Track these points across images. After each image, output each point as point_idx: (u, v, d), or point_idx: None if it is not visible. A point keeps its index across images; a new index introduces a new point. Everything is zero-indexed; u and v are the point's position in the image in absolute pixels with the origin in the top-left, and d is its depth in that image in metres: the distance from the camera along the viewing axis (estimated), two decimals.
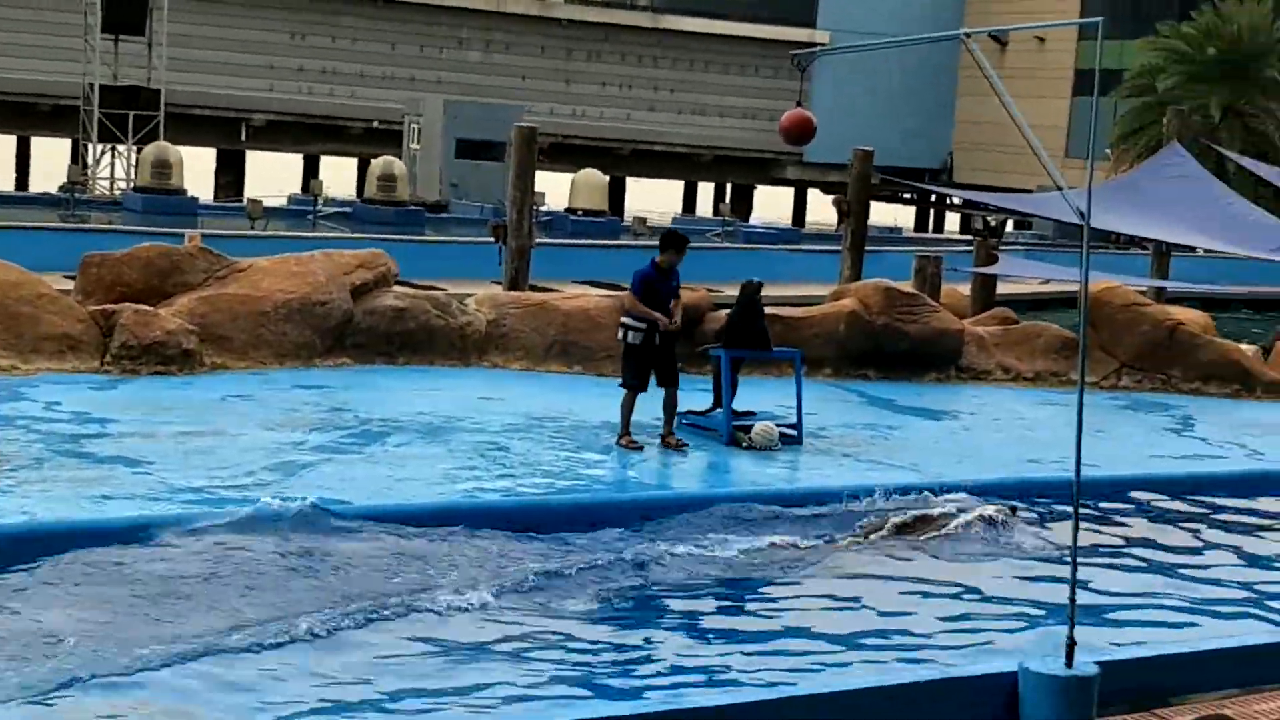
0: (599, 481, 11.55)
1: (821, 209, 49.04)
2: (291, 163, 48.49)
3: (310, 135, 44.55)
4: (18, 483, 10.12)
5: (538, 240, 21.54)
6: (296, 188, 42.34)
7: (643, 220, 35.70)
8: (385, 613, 8.45)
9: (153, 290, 15.29)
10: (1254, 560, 10.94)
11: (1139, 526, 11.55)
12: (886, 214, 53.05)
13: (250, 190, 41.06)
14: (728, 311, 14.31)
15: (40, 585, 8.46)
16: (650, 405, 12.78)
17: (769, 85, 49.76)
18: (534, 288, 20.56)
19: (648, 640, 8.44)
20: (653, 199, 54.27)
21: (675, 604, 9.12)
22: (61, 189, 32.89)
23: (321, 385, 14.35)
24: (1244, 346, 19.24)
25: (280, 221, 31.80)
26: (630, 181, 52.47)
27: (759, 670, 7.88)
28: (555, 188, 35.99)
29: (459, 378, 15.33)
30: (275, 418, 12.73)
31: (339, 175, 47.96)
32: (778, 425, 13.21)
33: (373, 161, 34.50)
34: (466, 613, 8.58)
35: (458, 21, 46.30)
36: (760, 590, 9.52)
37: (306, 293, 15.39)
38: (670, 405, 12.81)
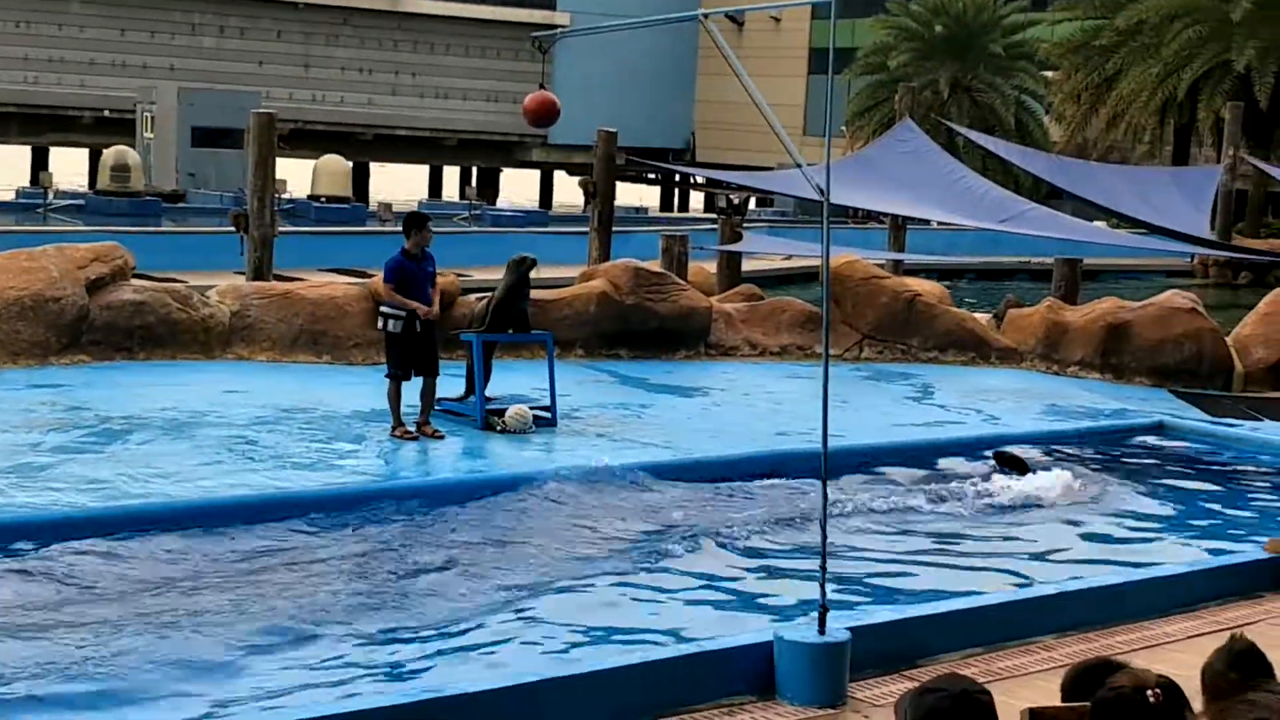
0: (355, 472, 11.40)
1: (568, 191, 49.24)
2: (19, 154, 46.63)
3: (38, 125, 42.96)
4: None
5: (280, 229, 21.14)
6: (25, 180, 40.76)
7: (388, 206, 35.36)
8: None
9: None
10: (993, 523, 11.38)
11: (884, 494, 11.89)
12: (632, 194, 53.61)
13: None
14: (488, 293, 14.25)
15: None
16: (406, 394, 12.67)
17: (511, 68, 49.74)
18: (279, 277, 20.18)
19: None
20: (397, 184, 53.81)
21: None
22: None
23: (58, 384, 13.86)
24: (978, 316, 19.97)
25: (9, 216, 30.62)
26: (374, 167, 51.90)
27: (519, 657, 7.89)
28: (297, 175, 35.37)
29: (203, 371, 14.97)
30: (11, 419, 12.25)
31: (69, 166, 46.31)
32: (531, 408, 13.24)
33: (105, 152, 33.45)
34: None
35: (190, 7, 45.14)
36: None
37: (39, 289, 14.84)
38: (428, 393, 12.73)
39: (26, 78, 42.18)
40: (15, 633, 7.78)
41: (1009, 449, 13.15)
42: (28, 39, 42.22)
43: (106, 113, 41.97)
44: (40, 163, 44.90)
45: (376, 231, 29.47)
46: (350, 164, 36.75)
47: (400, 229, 13.01)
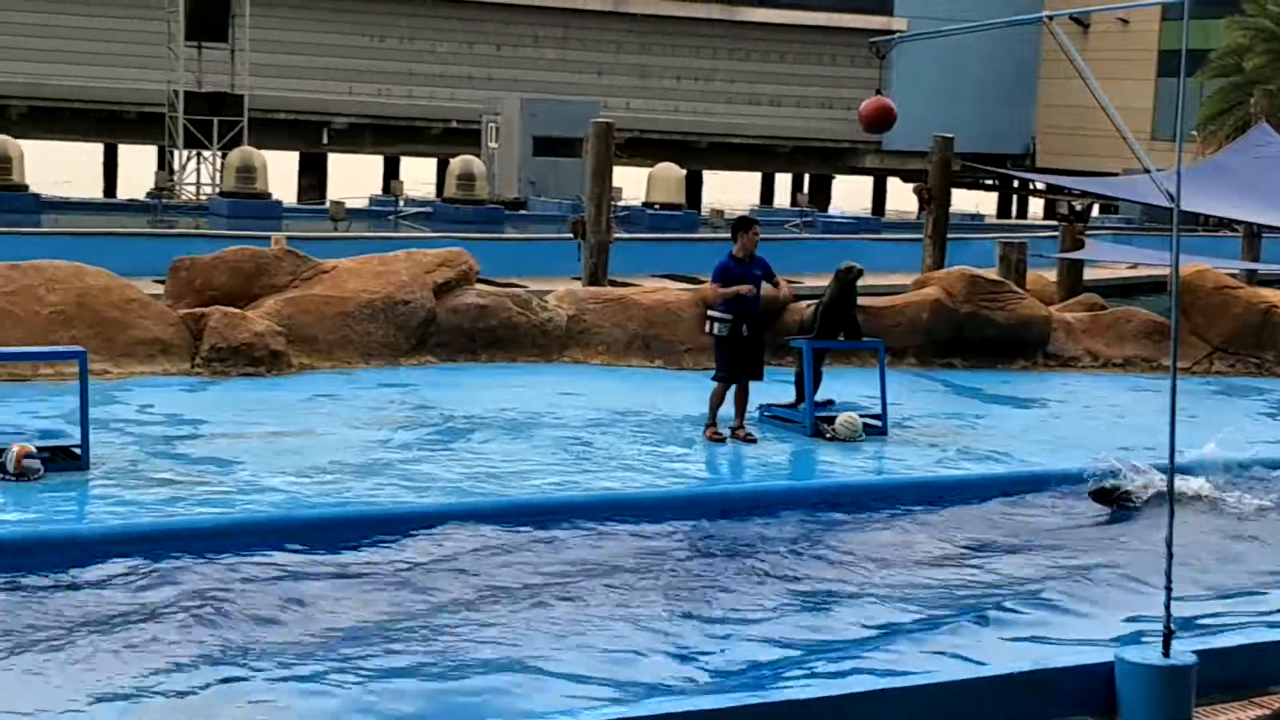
0: (683, 475, 11.53)
1: (901, 198, 48.72)
2: (372, 164, 48.84)
3: (390, 137, 44.85)
4: (110, 485, 10.27)
5: (616, 235, 21.53)
6: (378, 189, 42.63)
7: (719, 213, 35.64)
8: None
9: (240, 293, 15.45)
10: None
11: (1234, 512, 11.36)
12: (968, 201, 52.62)
13: (332, 192, 41.41)
14: (815, 300, 14.22)
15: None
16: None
17: (846, 74, 49.49)
18: (613, 283, 20.57)
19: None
20: (730, 192, 54.17)
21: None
22: (149, 195, 33.31)
23: (406, 384, 14.44)
24: None
25: (362, 222, 32.04)
26: (707, 174, 52.36)
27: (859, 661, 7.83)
28: (633, 182, 35.97)
29: (541, 373, 15.37)
30: (362, 416, 12.83)
31: (419, 176, 48.25)
32: (861, 416, 13.13)
33: (452, 161, 34.66)
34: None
35: (534, 20, 46.43)
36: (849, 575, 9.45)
37: (390, 292, 15.49)
38: (742, 397, 12.76)
39: (380, 91, 44.13)
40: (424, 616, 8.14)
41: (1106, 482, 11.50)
42: (382, 53, 44.16)
43: (454, 124, 43.56)
44: (392, 172, 46.92)
45: (708, 238, 29.74)
46: (684, 172, 37.19)
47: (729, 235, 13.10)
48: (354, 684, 7.30)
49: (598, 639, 8.05)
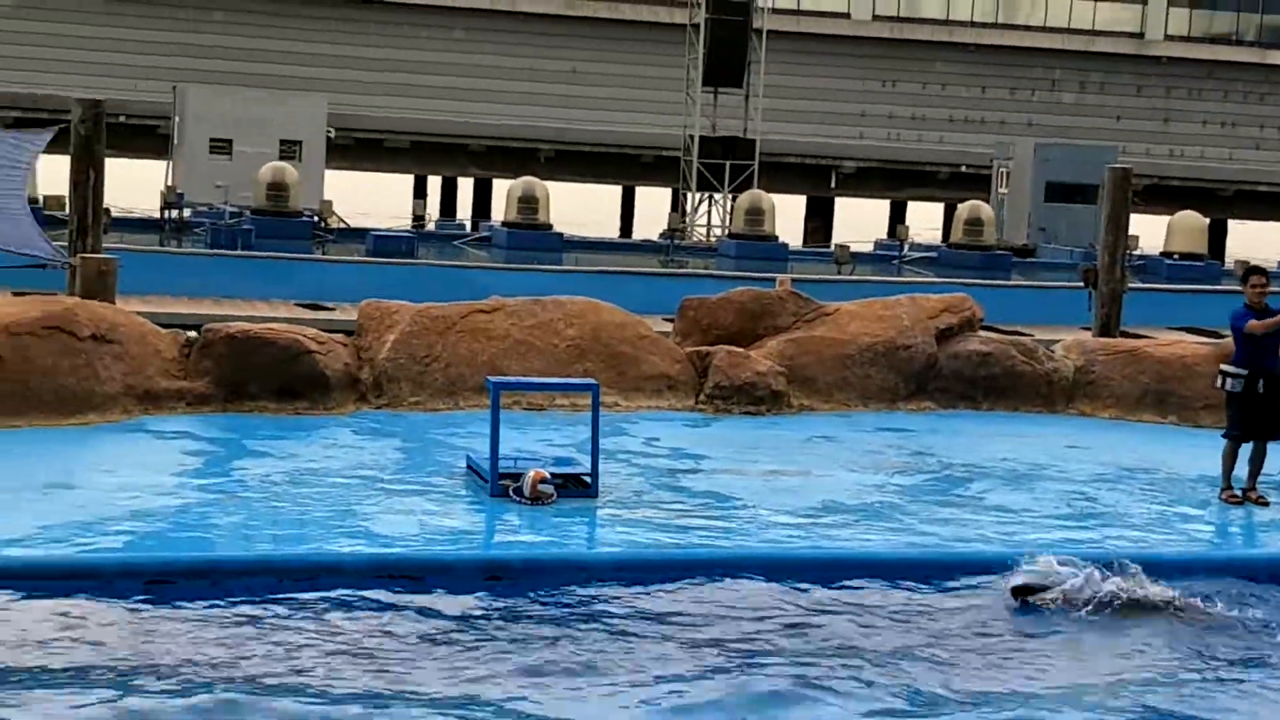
0: (1195, 538, 10.93)
1: None
2: (878, 208, 49.03)
3: (898, 181, 44.90)
4: (618, 513, 10.66)
5: (1131, 285, 20.75)
6: (883, 233, 42.77)
7: (1245, 263, 33.77)
8: None
9: (745, 333, 15.76)
10: None
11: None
12: None
13: (838, 235, 41.79)
14: None
15: None
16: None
17: None
18: (1126, 334, 19.81)
19: None
20: (1259, 242, 51.27)
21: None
22: (662, 236, 34.58)
23: (904, 429, 14.34)
24: None
25: (866, 266, 32.18)
26: (1233, 224, 49.76)
27: None
28: (1149, 231, 34.60)
29: (1044, 425, 14.93)
30: (859, 459, 12.83)
31: (925, 220, 48.07)
32: None
33: (959, 206, 34.35)
34: None
35: (1051, 63, 45.54)
36: None
37: (891, 336, 15.44)
38: (1258, 457, 11.97)
39: (890, 135, 44.29)
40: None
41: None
42: (893, 97, 44.30)
43: (963, 168, 43.19)
44: (898, 216, 46.95)
45: (1232, 290, 28.24)
46: (1207, 221, 35.50)
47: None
48: None
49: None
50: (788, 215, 36.28)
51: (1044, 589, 9.32)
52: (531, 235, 30.58)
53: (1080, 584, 9.30)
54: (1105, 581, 9.34)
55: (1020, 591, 9.36)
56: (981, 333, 16.28)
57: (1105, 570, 9.44)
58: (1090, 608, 9.21)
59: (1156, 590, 9.35)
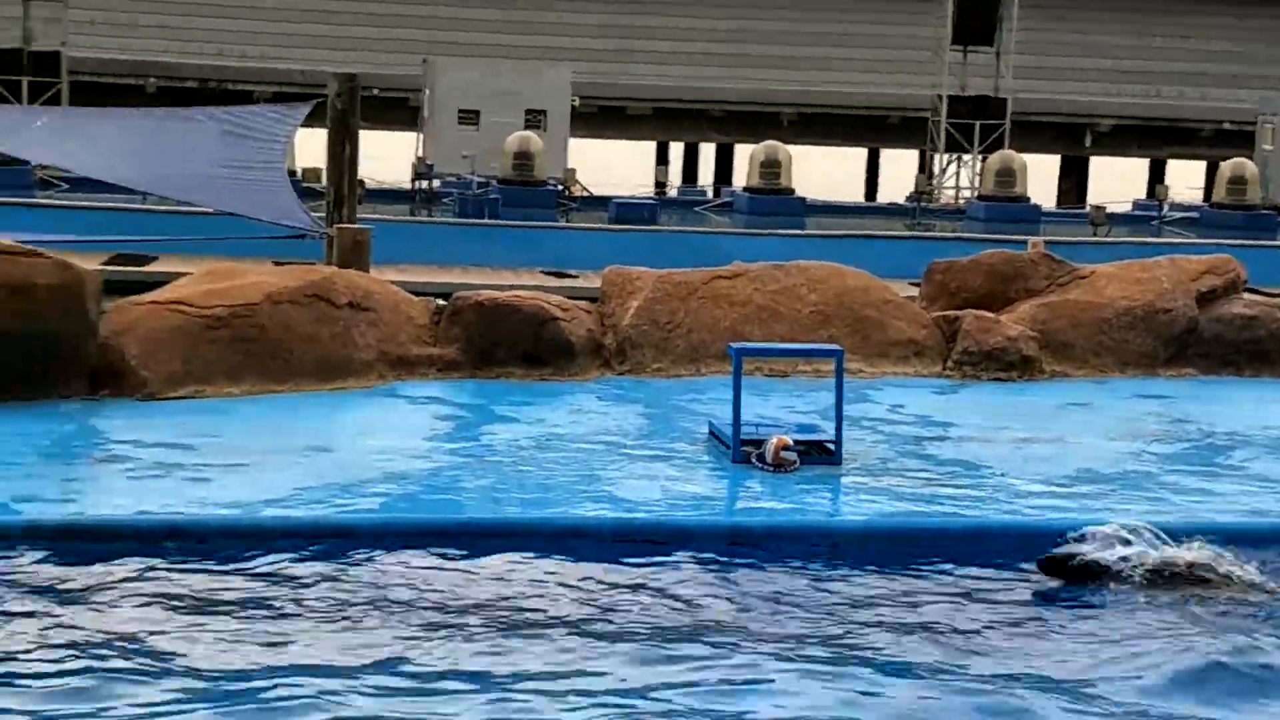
0: None
1: None
2: (1136, 168, 47.49)
3: (1157, 139, 43.36)
4: (863, 481, 10.52)
5: None
6: (1141, 193, 41.40)
7: None
8: None
9: (994, 296, 15.40)
10: None
11: None
12: None
13: (1093, 196, 40.63)
14: None
15: None
16: None
17: None
18: None
19: None
20: None
21: None
22: (908, 199, 34.11)
23: (1163, 395, 13.85)
24: None
25: (1123, 228, 31.24)
26: None
27: None
28: None
29: None
30: (1115, 427, 12.42)
31: (1186, 179, 46.43)
32: None
33: (1222, 164, 33.08)
34: None
35: None
36: None
37: (1150, 299, 14.92)
38: None
39: (1148, 92, 42.80)
40: None
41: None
42: (1150, 53, 42.77)
43: (1226, 125, 41.53)
44: (1157, 175, 45.41)
45: None
46: None
47: None
48: None
49: None
50: (1040, 176, 35.44)
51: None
52: (773, 200, 30.46)
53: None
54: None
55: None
56: (1246, 295, 15.61)
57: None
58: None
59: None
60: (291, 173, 22.64)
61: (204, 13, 38.80)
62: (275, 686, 6.91)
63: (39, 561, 8.53)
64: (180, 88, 36.82)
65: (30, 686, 6.87)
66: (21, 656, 7.20)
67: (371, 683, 7.02)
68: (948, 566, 9.04)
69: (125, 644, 7.39)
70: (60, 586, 8.19)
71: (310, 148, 24.81)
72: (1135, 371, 14.69)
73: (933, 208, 33.33)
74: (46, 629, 7.57)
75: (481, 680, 7.13)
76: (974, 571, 8.98)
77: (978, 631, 8.05)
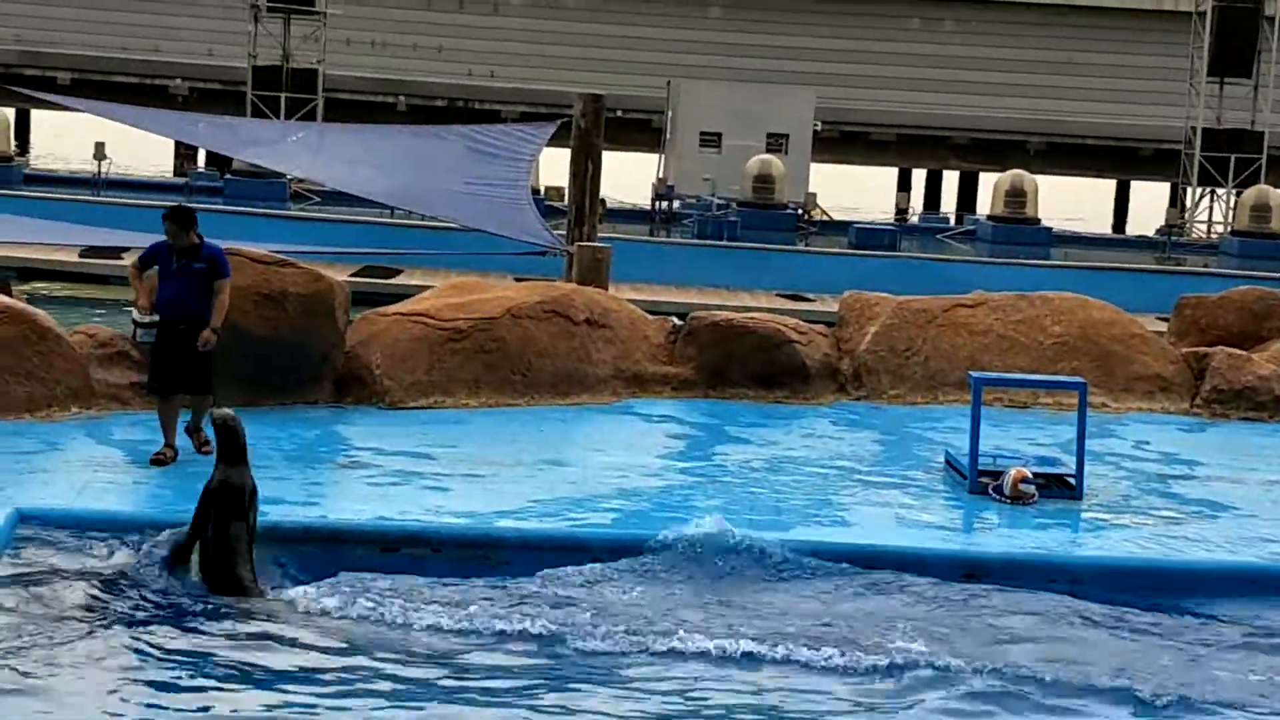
0: None
1: None
2: None
3: None
4: (1103, 517, 10.24)
5: None
6: None
7: None
8: None
9: (1246, 334, 14.88)
10: None
11: None
12: None
13: None
14: None
15: None
16: None
17: None
18: None
19: None
20: None
21: None
22: (1159, 232, 33.17)
23: None
24: None
25: None
26: None
27: None
28: None
29: None
30: None
31: None
32: None
33: None
34: None
35: None
36: None
37: None
38: None
39: None
40: None
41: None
42: None
43: None
44: None
45: None
46: None
47: None
48: None
49: None
50: None
51: None
52: (1018, 229, 29.95)
53: None
54: None
55: None
56: None
57: None
58: None
59: None
60: (535, 190, 23.02)
61: (455, 34, 39.77)
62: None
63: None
64: (430, 106, 37.78)
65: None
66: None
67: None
68: (1191, 604, 8.75)
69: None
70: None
71: (554, 166, 25.21)
72: None
73: (1184, 242, 32.34)
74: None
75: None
76: (1221, 610, 8.68)
77: (1232, 673, 7.78)
